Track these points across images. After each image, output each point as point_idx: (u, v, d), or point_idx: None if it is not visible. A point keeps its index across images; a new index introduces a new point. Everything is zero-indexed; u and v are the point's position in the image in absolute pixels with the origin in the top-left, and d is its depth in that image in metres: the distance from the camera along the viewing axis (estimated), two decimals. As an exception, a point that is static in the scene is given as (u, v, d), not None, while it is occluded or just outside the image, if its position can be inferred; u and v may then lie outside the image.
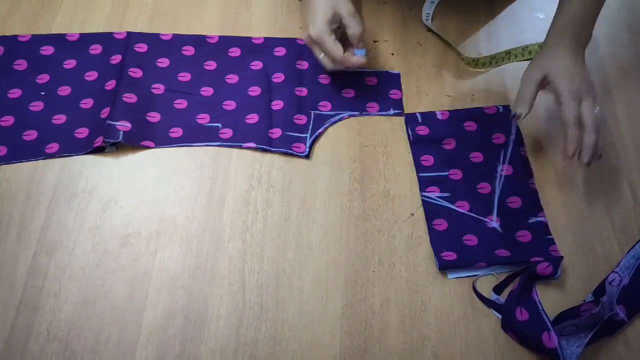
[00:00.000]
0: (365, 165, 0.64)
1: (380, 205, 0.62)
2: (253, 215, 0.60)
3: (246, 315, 0.55)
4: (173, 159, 0.63)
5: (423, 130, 0.66)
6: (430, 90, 0.70)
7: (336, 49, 0.62)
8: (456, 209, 0.61)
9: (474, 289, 0.57)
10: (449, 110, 0.68)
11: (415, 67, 0.72)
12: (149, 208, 0.60)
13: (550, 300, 0.57)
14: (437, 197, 0.62)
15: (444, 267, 0.58)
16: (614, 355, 0.55)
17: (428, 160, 0.64)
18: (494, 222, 0.61)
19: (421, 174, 0.63)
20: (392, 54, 0.73)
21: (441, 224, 0.60)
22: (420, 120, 0.66)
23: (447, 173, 0.63)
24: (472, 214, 0.61)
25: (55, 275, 0.55)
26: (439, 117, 0.67)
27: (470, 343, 0.55)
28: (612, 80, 0.73)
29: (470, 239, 0.59)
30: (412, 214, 0.61)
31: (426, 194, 0.62)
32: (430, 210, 0.61)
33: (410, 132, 0.66)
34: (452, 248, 0.58)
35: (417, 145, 0.65)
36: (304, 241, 0.59)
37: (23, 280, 0.55)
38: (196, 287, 0.56)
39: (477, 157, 0.65)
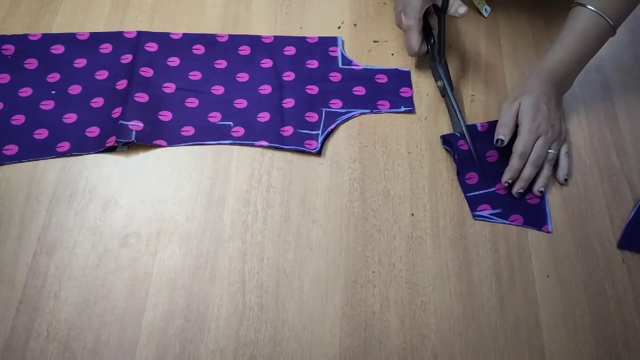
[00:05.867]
0: (365, 165, 0.64)
1: (380, 205, 0.62)
2: (253, 215, 0.60)
3: (246, 316, 0.55)
4: (173, 159, 0.63)
5: (464, 146, 0.64)
6: (430, 91, 0.70)
7: (414, 44, 0.67)
8: (510, 222, 0.62)
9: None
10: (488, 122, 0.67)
11: (415, 67, 0.72)
12: (149, 208, 0.60)
13: (551, 299, 0.57)
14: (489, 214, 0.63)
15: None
16: (614, 355, 0.55)
17: (471, 178, 0.64)
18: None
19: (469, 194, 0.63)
20: (392, 54, 0.73)
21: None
22: (460, 137, 0.65)
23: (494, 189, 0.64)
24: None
25: (55, 275, 0.55)
26: (479, 129, 0.66)
27: (469, 343, 0.55)
28: (612, 80, 0.73)
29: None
30: (412, 214, 0.61)
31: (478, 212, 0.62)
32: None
33: (455, 154, 0.64)
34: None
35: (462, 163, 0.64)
36: (304, 241, 0.59)
37: (23, 280, 0.55)
38: (196, 287, 0.56)
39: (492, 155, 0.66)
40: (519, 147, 0.62)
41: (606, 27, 0.62)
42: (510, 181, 0.62)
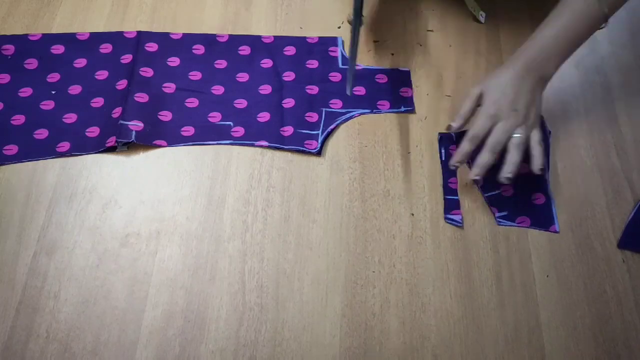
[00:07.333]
0: (365, 165, 0.64)
1: (380, 205, 0.62)
2: (253, 215, 0.60)
3: (246, 316, 0.55)
4: (173, 159, 0.63)
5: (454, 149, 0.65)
6: (430, 90, 0.70)
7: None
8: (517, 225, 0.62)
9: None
10: None
11: (415, 67, 0.72)
12: (149, 208, 0.60)
13: (551, 300, 0.57)
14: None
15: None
16: (614, 356, 0.55)
17: (454, 183, 0.63)
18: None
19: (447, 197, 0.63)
20: (392, 54, 0.73)
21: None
22: (455, 140, 0.66)
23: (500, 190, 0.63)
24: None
25: (55, 275, 0.55)
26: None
27: (469, 344, 0.55)
28: (612, 80, 0.73)
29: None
30: (412, 214, 0.61)
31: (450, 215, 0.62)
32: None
33: (443, 151, 0.65)
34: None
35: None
36: (304, 241, 0.59)
37: (23, 280, 0.55)
38: (196, 288, 0.56)
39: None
40: (470, 130, 0.59)
41: (598, 13, 0.58)
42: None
